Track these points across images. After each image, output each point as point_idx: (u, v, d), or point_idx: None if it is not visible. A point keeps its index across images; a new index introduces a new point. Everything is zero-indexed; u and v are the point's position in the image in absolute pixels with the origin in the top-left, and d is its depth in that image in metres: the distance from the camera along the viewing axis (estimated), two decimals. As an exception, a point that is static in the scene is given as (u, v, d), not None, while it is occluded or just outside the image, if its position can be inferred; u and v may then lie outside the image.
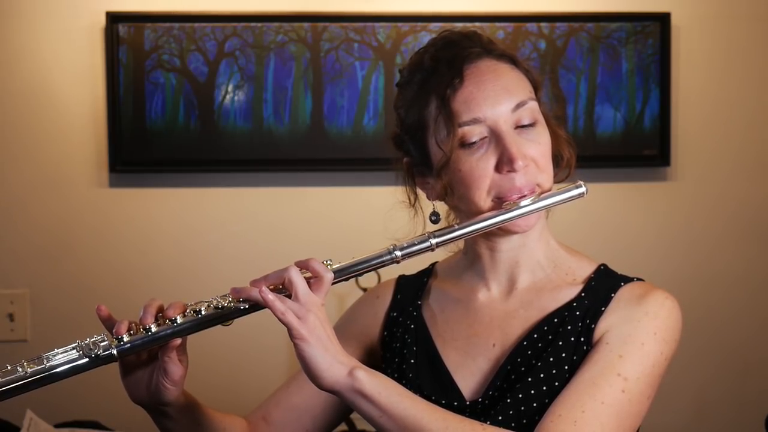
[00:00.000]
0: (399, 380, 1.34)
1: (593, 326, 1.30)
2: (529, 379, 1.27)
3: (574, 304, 1.34)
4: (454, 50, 1.33)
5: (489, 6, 2.65)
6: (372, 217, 2.67)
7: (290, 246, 2.66)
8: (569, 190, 1.31)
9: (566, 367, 1.28)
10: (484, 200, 1.30)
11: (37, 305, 2.60)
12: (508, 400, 1.27)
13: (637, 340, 1.27)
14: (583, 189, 1.31)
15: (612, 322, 1.30)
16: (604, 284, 1.37)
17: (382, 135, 2.62)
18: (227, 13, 2.58)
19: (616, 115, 2.67)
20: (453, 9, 2.64)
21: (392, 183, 2.83)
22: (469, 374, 1.34)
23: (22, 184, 2.59)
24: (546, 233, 1.43)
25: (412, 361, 1.39)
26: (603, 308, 1.32)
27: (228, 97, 2.59)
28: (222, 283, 2.71)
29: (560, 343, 1.30)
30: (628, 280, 1.40)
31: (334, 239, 2.66)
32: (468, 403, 1.31)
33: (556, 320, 1.32)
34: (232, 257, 2.64)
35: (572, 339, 1.30)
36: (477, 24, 2.62)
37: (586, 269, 1.41)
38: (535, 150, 1.30)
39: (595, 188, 2.88)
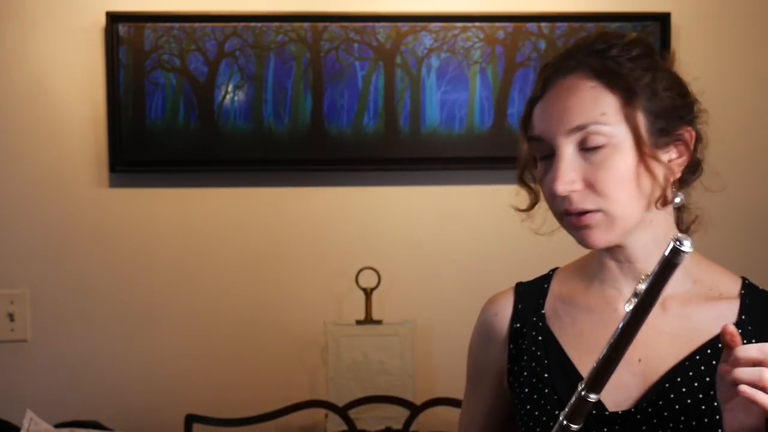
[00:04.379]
0: (532, 395, 1.28)
1: None
2: (689, 401, 1.20)
3: (739, 329, 1.16)
4: (560, 60, 1.33)
5: (489, 6, 2.65)
6: (372, 217, 2.68)
7: (290, 246, 2.66)
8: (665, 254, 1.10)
9: None
10: (555, 216, 1.31)
11: (37, 305, 2.60)
12: (665, 413, 1.20)
13: None
14: (683, 248, 1.09)
15: None
16: (759, 303, 1.29)
17: (382, 135, 2.62)
18: (227, 13, 2.58)
19: (616, 115, 2.67)
20: (453, 9, 2.64)
21: (392, 183, 2.85)
22: (611, 387, 1.17)
23: (22, 184, 2.59)
24: (646, 233, 1.31)
25: (546, 375, 1.30)
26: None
27: (228, 97, 2.59)
28: (222, 283, 2.73)
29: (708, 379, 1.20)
30: None
31: (335, 239, 2.66)
32: (613, 412, 1.23)
33: (708, 351, 1.23)
34: (232, 257, 2.64)
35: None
36: (477, 24, 2.62)
37: (731, 284, 1.35)
38: (596, 174, 1.24)
39: (595, 188, 2.88)
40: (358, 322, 2.54)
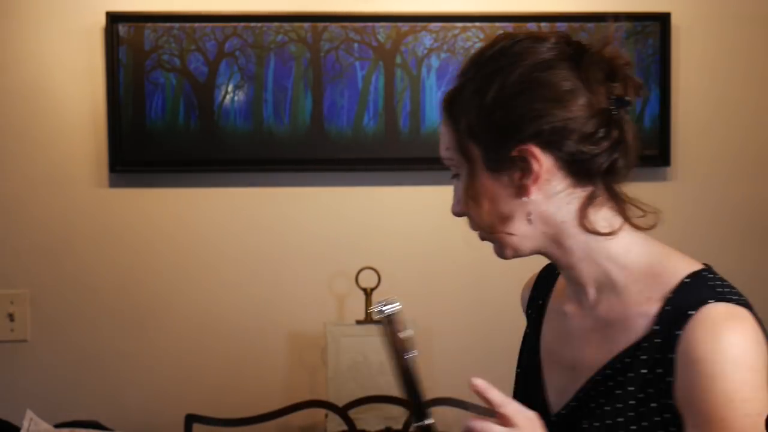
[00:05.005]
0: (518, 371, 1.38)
1: (669, 380, 1.14)
2: (606, 408, 1.20)
3: (644, 343, 1.17)
4: None
5: (489, 6, 2.65)
6: (372, 217, 2.68)
7: (290, 246, 2.66)
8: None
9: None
10: None
11: (37, 305, 2.60)
12: (585, 418, 1.21)
13: (719, 414, 1.09)
14: (385, 309, 1.25)
15: (683, 388, 1.12)
16: (680, 311, 1.16)
17: (382, 135, 2.62)
18: (227, 13, 2.58)
19: (616, 115, 2.67)
20: (453, 9, 2.64)
21: (392, 183, 2.85)
22: (555, 392, 1.26)
23: (22, 184, 2.59)
24: (597, 253, 1.25)
25: (524, 354, 1.38)
26: (671, 355, 1.14)
27: (228, 97, 2.59)
28: (222, 283, 2.73)
29: (621, 394, 1.18)
30: (703, 300, 1.16)
31: (335, 239, 2.66)
32: (552, 414, 1.27)
33: (626, 360, 1.19)
34: (232, 257, 2.64)
35: (635, 399, 1.17)
36: (477, 24, 2.62)
37: (669, 281, 1.21)
38: (456, 200, 1.29)
39: (595, 188, 2.87)
40: (359, 323, 2.54)
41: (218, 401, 2.60)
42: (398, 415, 2.45)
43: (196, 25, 2.57)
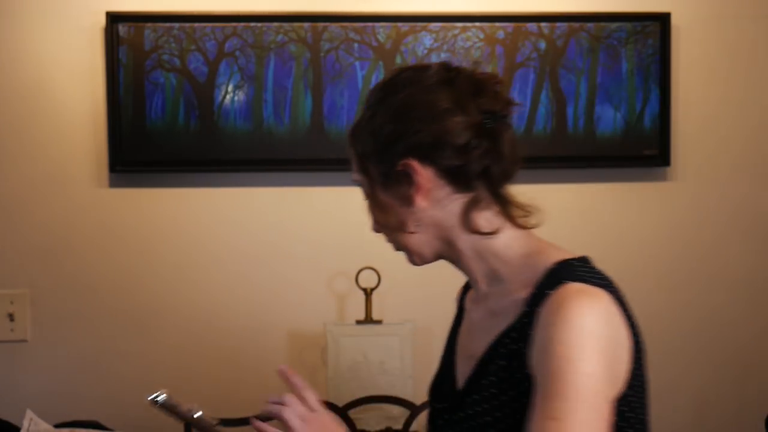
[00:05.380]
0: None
1: (526, 352, 1.25)
2: (485, 393, 1.32)
3: (516, 325, 1.29)
4: None
5: (489, 6, 2.65)
6: (372, 217, 2.68)
7: (290, 246, 2.66)
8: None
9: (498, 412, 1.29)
10: None
11: (37, 305, 2.60)
12: (470, 402, 1.33)
13: (558, 371, 1.19)
14: (158, 398, 1.47)
15: (535, 356, 1.24)
16: (542, 292, 1.28)
17: (382, 135, 2.62)
18: (227, 13, 2.58)
19: (616, 115, 2.67)
20: (453, 9, 2.64)
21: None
22: (460, 376, 1.41)
23: (22, 184, 2.59)
24: (483, 251, 1.39)
25: (445, 350, 1.51)
26: (530, 331, 1.25)
27: (228, 97, 2.59)
28: (222, 283, 2.73)
29: (495, 369, 1.30)
30: (562, 280, 1.28)
31: (334, 239, 2.66)
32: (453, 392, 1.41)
33: (504, 341, 1.30)
34: (232, 257, 2.64)
35: (505, 372, 1.28)
36: (477, 24, 2.62)
37: (540, 270, 1.32)
38: (371, 220, 1.44)
39: (595, 188, 2.91)
40: (358, 323, 2.54)
41: (218, 401, 2.60)
42: (398, 415, 2.45)
43: (196, 25, 2.57)
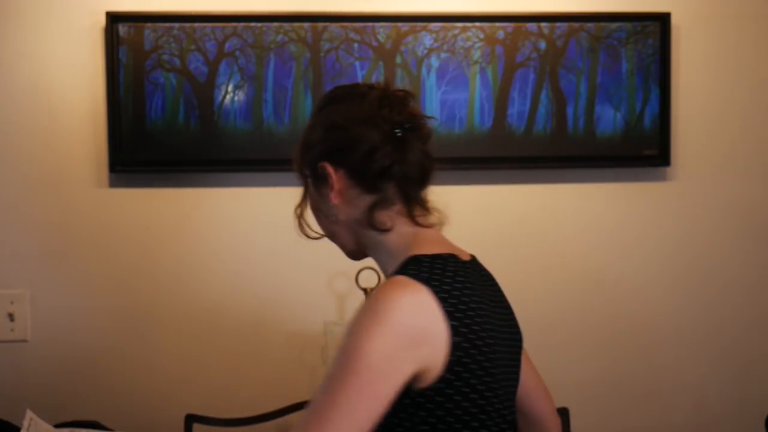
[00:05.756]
0: None
1: None
2: None
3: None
4: None
5: (489, 6, 2.65)
6: (372, 217, 2.68)
7: (290, 246, 2.65)
8: None
9: None
10: None
11: (37, 305, 2.60)
12: None
13: (343, 345, 1.37)
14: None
15: None
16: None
17: (382, 135, 2.62)
18: (227, 13, 2.58)
19: (616, 115, 2.67)
20: (453, 9, 2.64)
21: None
22: None
23: (22, 183, 2.59)
24: (380, 246, 1.57)
25: None
26: None
27: (228, 97, 2.59)
28: (222, 282, 2.73)
29: None
30: (396, 273, 1.47)
31: (334, 239, 2.66)
32: None
33: None
34: (232, 257, 2.64)
35: None
36: (477, 24, 2.62)
37: (398, 265, 1.51)
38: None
39: (595, 188, 2.91)
40: (358, 322, 2.53)
41: (218, 401, 2.60)
42: (398, 415, 2.44)
43: (196, 25, 2.57)
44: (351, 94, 1.58)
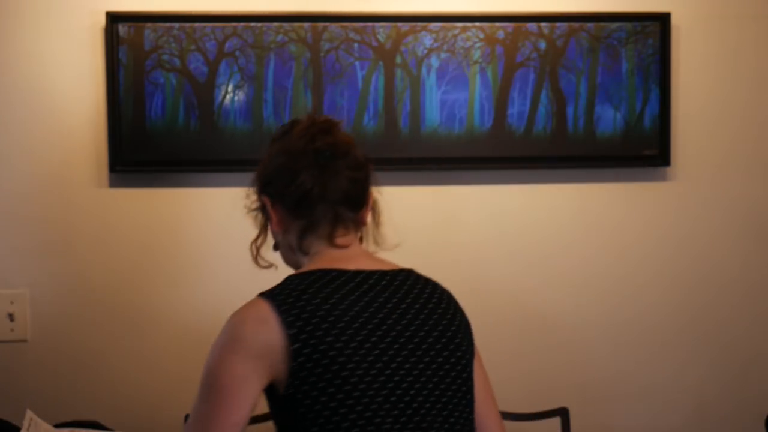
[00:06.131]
0: None
1: None
2: None
3: None
4: None
5: (489, 6, 2.65)
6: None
7: (290, 246, 2.66)
8: None
9: None
10: None
11: (37, 305, 2.60)
12: None
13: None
14: None
15: None
16: None
17: (382, 135, 2.62)
18: (227, 13, 2.58)
19: (616, 115, 2.67)
20: (453, 9, 2.64)
21: (392, 183, 2.84)
22: None
23: (22, 183, 2.59)
24: (306, 267, 1.69)
25: None
26: None
27: (228, 97, 2.59)
28: (222, 282, 2.73)
29: None
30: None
31: (334, 239, 2.66)
32: None
33: None
34: (232, 257, 2.64)
35: None
36: (477, 24, 2.62)
37: None
38: None
39: (595, 188, 2.90)
40: (358, 322, 2.53)
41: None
42: (398, 415, 2.44)
43: (196, 25, 2.57)
44: (282, 131, 1.75)
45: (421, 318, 1.64)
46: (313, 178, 1.66)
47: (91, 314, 2.62)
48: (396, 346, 1.58)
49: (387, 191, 2.73)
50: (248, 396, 1.51)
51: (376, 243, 1.79)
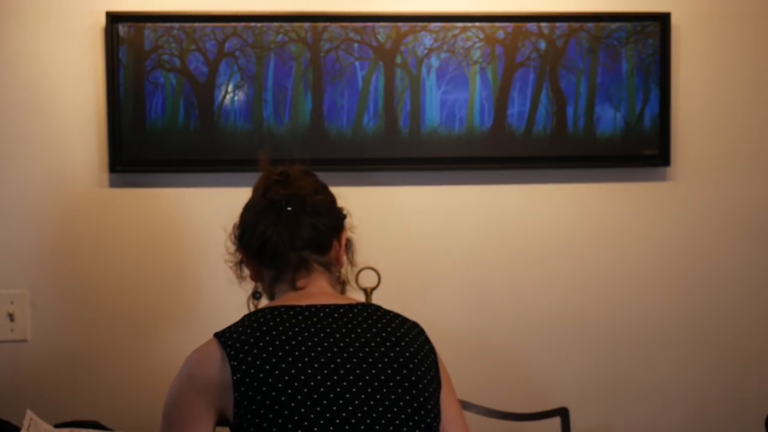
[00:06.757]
0: None
1: None
2: None
3: None
4: None
5: (489, 6, 2.65)
6: (372, 217, 2.68)
7: (290, 246, 2.66)
8: None
9: None
10: None
11: (37, 305, 2.60)
12: None
13: None
14: None
15: None
16: None
17: (382, 135, 2.62)
18: (227, 13, 2.58)
19: (616, 115, 2.67)
20: (453, 9, 2.64)
21: (392, 183, 2.85)
22: None
23: (22, 183, 2.59)
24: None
25: None
26: None
27: (228, 97, 2.59)
28: (222, 282, 2.72)
29: None
30: None
31: (334, 239, 2.66)
32: None
33: None
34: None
35: None
36: (477, 24, 2.62)
37: None
38: None
39: (595, 188, 2.90)
40: (358, 322, 2.53)
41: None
42: (398, 415, 2.44)
43: (196, 25, 2.57)
44: (253, 189, 1.88)
45: (369, 349, 1.66)
46: (271, 228, 1.77)
47: (91, 314, 2.62)
48: (336, 376, 1.61)
49: (387, 191, 2.74)
50: (201, 429, 1.61)
51: (347, 282, 1.90)
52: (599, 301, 2.74)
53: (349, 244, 1.89)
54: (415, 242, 2.67)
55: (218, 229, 2.64)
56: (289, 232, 1.77)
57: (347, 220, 1.90)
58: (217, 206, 2.64)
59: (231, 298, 2.65)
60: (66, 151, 2.59)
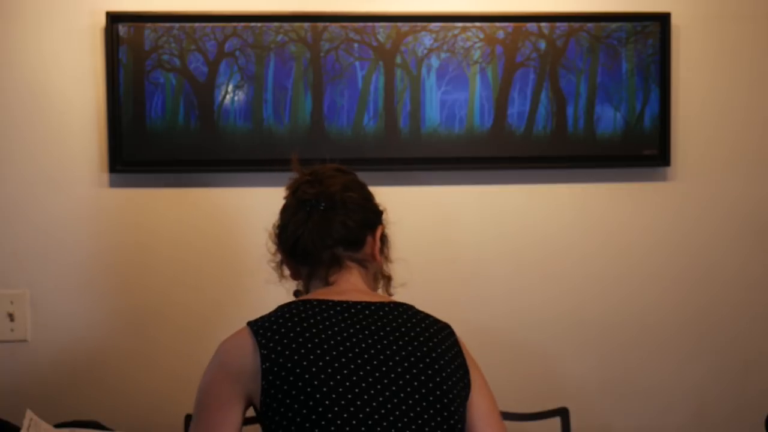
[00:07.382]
0: None
1: None
2: None
3: None
4: None
5: (489, 6, 2.65)
6: (372, 217, 2.68)
7: (290, 246, 2.66)
8: None
9: None
10: None
11: (37, 305, 2.60)
12: None
13: None
14: None
15: None
16: None
17: (382, 135, 2.62)
18: (227, 13, 2.58)
19: (616, 115, 2.67)
20: (453, 9, 2.64)
21: (392, 183, 2.85)
22: None
23: (22, 183, 2.59)
24: None
25: None
26: None
27: (228, 97, 2.59)
28: (222, 282, 2.73)
29: None
30: None
31: (334, 239, 2.66)
32: None
33: None
34: (232, 257, 2.64)
35: None
36: (477, 24, 2.62)
37: None
38: None
39: (595, 188, 2.90)
40: (358, 322, 2.53)
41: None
42: (398, 415, 2.44)
43: (196, 25, 2.57)
44: (286, 189, 1.92)
45: (396, 347, 1.68)
46: (302, 227, 1.81)
47: (91, 314, 2.62)
48: (363, 372, 1.63)
49: (387, 191, 2.73)
50: (231, 415, 1.64)
51: (391, 278, 1.93)
52: (599, 301, 2.74)
53: (384, 239, 1.89)
54: (415, 242, 2.67)
55: (219, 228, 2.66)
56: (320, 230, 1.81)
57: (384, 216, 1.91)
58: (217, 206, 2.64)
59: (231, 297, 2.65)
60: (66, 151, 2.59)
